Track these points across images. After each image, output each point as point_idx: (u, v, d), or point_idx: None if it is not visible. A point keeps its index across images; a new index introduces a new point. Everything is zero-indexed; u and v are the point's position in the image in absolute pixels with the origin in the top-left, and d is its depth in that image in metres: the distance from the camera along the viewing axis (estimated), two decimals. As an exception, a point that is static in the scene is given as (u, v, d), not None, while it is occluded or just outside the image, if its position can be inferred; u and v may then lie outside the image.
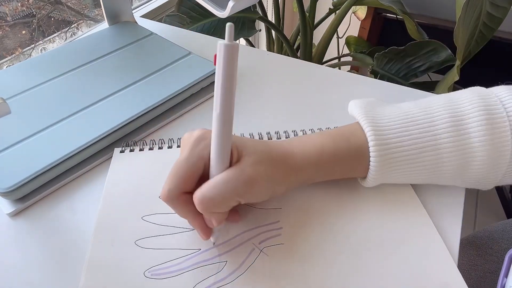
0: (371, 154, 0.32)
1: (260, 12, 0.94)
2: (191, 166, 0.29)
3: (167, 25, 0.66)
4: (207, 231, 0.30)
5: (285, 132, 0.42)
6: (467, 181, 0.34)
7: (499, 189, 1.20)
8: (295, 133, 0.42)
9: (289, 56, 0.99)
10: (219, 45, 0.23)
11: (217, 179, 0.28)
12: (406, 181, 0.35)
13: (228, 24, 0.22)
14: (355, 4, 0.91)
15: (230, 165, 0.29)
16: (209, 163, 0.29)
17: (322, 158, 0.33)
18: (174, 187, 0.28)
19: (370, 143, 0.32)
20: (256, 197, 0.31)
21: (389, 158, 0.32)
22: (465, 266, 0.51)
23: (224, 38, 0.24)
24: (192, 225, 0.31)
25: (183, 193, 0.29)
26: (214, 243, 0.32)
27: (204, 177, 0.29)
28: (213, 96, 0.48)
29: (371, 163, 0.33)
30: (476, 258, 0.51)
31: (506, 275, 0.30)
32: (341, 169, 0.34)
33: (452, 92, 0.35)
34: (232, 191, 0.28)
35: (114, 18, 0.58)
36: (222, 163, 0.28)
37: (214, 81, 0.51)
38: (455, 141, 0.32)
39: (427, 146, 0.32)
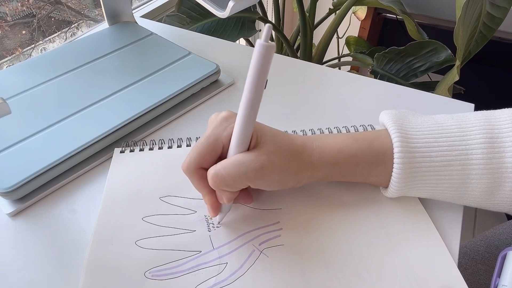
0: (395, 160, 0.31)
1: (260, 12, 0.94)
2: (209, 144, 0.30)
3: (167, 25, 0.66)
4: (216, 208, 0.32)
5: (285, 132, 0.42)
6: (499, 204, 0.32)
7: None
8: (295, 133, 0.42)
9: (289, 56, 0.99)
10: (257, 43, 0.25)
11: (231, 160, 0.29)
12: (430, 195, 0.33)
13: (267, 25, 0.24)
14: (355, 4, 0.91)
15: (248, 149, 0.30)
16: (228, 143, 0.30)
17: (341, 158, 0.32)
18: (192, 161, 0.30)
19: (396, 149, 0.31)
20: (266, 185, 0.31)
21: (414, 167, 0.31)
22: (468, 275, 0.51)
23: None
24: (204, 200, 0.32)
25: (201, 168, 0.31)
26: (219, 222, 0.33)
27: (223, 155, 0.31)
28: (213, 96, 0.49)
29: (394, 170, 0.32)
30: (479, 265, 0.51)
31: (499, 275, 0.30)
32: (360, 172, 0.33)
33: (492, 110, 0.33)
34: (242, 174, 0.29)
35: (114, 18, 0.57)
36: (241, 146, 0.30)
37: (214, 81, 0.51)
38: (488, 158, 0.30)
39: (456, 160, 0.31)
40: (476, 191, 0.31)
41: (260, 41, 0.25)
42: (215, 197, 0.31)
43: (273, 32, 1.08)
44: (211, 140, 0.30)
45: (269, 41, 0.25)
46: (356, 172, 0.33)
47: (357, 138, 0.33)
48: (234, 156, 0.30)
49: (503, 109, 0.33)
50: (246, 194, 0.33)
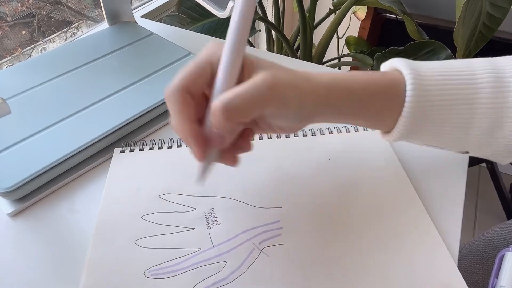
0: (407, 93, 0.30)
1: (260, 12, 0.94)
2: (198, 66, 0.28)
3: (167, 25, 0.67)
4: (203, 144, 0.28)
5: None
6: (494, 146, 0.32)
7: (499, 189, 1.20)
8: (295, 133, 0.42)
9: (289, 56, 0.99)
10: None
11: (239, 88, 0.26)
12: (433, 140, 0.33)
13: None
14: (355, 4, 0.91)
15: (241, 81, 0.27)
16: (216, 72, 0.28)
17: (356, 84, 0.31)
18: (180, 82, 0.27)
19: (408, 87, 0.30)
20: (283, 109, 0.28)
21: (426, 105, 0.30)
22: (467, 276, 0.51)
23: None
24: (186, 136, 0.28)
25: (187, 93, 0.28)
26: (200, 179, 0.30)
27: (211, 83, 0.28)
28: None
29: (406, 104, 0.30)
30: (477, 266, 0.51)
31: (497, 276, 0.30)
32: (374, 105, 0.31)
33: (494, 57, 0.34)
34: (258, 98, 0.26)
35: (114, 18, 0.58)
36: (230, 74, 0.27)
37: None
38: (494, 97, 0.30)
39: (465, 99, 0.31)
40: (477, 131, 0.31)
41: None
42: (200, 128, 0.28)
43: (273, 32, 1.08)
44: (201, 62, 0.28)
45: None
46: (371, 103, 0.31)
47: (367, 72, 0.32)
48: (240, 85, 0.26)
49: (504, 56, 0.33)
50: (245, 140, 0.31)
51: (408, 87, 0.30)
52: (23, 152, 0.38)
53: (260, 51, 0.57)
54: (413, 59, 0.33)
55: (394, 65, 0.33)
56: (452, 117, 0.31)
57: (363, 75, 0.32)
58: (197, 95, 0.28)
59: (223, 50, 0.27)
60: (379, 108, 0.31)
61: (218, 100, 0.26)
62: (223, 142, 0.28)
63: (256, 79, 0.26)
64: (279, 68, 0.29)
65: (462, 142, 0.33)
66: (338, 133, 0.42)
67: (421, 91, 0.30)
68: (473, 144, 0.33)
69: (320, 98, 0.29)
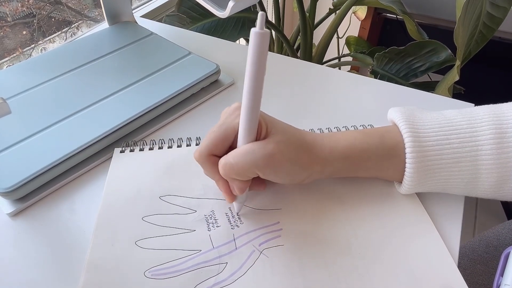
0: (407, 160, 0.32)
1: (260, 12, 0.94)
2: (222, 132, 0.31)
3: (167, 25, 0.66)
4: (230, 193, 0.32)
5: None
6: (506, 195, 0.33)
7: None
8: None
9: (289, 56, 0.99)
10: (252, 32, 0.25)
11: (241, 149, 0.30)
12: (442, 190, 0.34)
13: (260, 13, 0.24)
14: (355, 4, 0.91)
15: (257, 139, 0.31)
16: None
17: (352, 153, 0.33)
18: (204, 148, 0.31)
19: (408, 149, 0.32)
20: (275, 175, 0.31)
21: (426, 165, 0.32)
22: (467, 276, 0.51)
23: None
24: (218, 186, 0.33)
25: (213, 155, 0.31)
26: (238, 213, 0.34)
27: (235, 144, 0.31)
28: (213, 96, 0.49)
29: (406, 169, 0.32)
30: (477, 266, 0.51)
31: (502, 274, 0.30)
32: (372, 166, 0.33)
33: (500, 104, 0.34)
34: (251, 162, 0.29)
35: (114, 18, 0.57)
36: (248, 135, 0.30)
37: (214, 81, 0.51)
38: (497, 153, 0.31)
39: (466, 157, 0.31)
40: (486, 185, 0.32)
41: (255, 29, 0.25)
42: (228, 183, 0.32)
43: (273, 32, 1.08)
44: (223, 128, 0.31)
45: (263, 29, 0.25)
46: (367, 166, 0.33)
47: (367, 132, 0.34)
48: (243, 146, 0.30)
49: (510, 103, 0.33)
50: (259, 181, 0.33)
51: (408, 155, 0.32)
52: (23, 152, 0.38)
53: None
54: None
55: (394, 119, 0.34)
56: (455, 174, 0.32)
57: (362, 137, 0.33)
58: (223, 153, 0.31)
59: (241, 112, 0.29)
60: (378, 169, 0.34)
61: (222, 158, 0.30)
62: (235, 192, 0.31)
63: (258, 145, 0.30)
64: (287, 136, 0.31)
65: (472, 194, 0.34)
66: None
67: (420, 157, 0.32)
68: (484, 194, 0.34)
69: (315, 171, 0.33)
